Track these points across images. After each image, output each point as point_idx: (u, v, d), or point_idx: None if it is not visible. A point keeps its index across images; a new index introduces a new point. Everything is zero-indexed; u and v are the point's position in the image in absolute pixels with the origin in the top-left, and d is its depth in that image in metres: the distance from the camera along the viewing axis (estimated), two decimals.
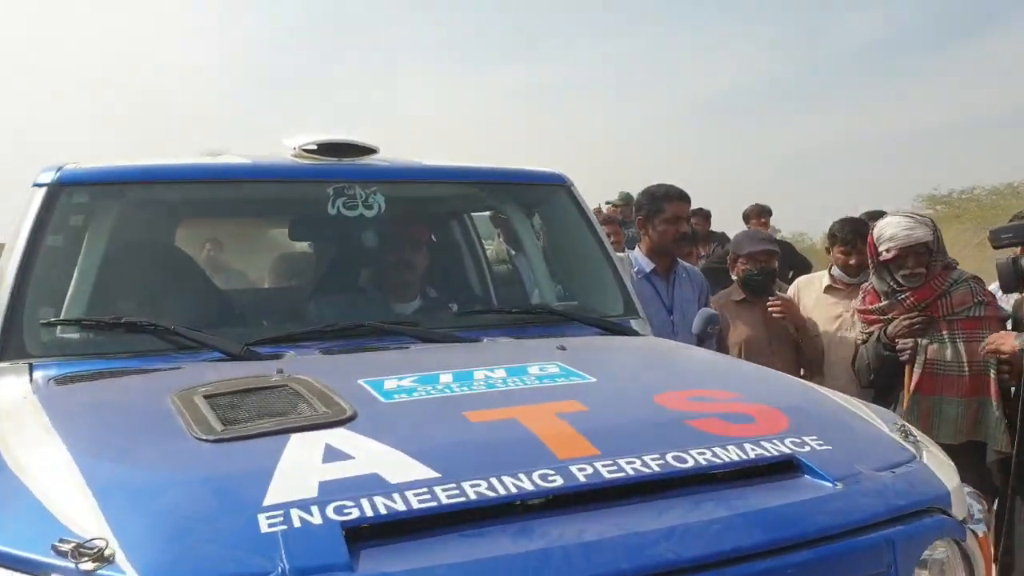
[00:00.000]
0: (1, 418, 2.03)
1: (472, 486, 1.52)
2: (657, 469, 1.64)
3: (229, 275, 3.96)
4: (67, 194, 2.61)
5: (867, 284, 3.92)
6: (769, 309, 4.26)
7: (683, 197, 4.04)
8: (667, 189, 4.03)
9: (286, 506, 1.43)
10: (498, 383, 2.03)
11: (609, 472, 1.60)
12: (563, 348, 2.40)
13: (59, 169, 2.64)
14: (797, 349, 4.39)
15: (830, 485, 1.69)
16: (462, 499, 1.49)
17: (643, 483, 1.61)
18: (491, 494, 1.51)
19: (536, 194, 3.27)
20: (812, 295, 4.54)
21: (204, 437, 1.68)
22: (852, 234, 4.43)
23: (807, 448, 1.80)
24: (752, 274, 4.36)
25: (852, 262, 4.39)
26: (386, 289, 3.06)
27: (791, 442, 1.80)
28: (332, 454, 1.61)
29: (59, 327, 2.44)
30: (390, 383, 2.03)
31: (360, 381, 2.03)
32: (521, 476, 1.56)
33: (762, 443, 1.78)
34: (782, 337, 4.41)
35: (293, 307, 3.01)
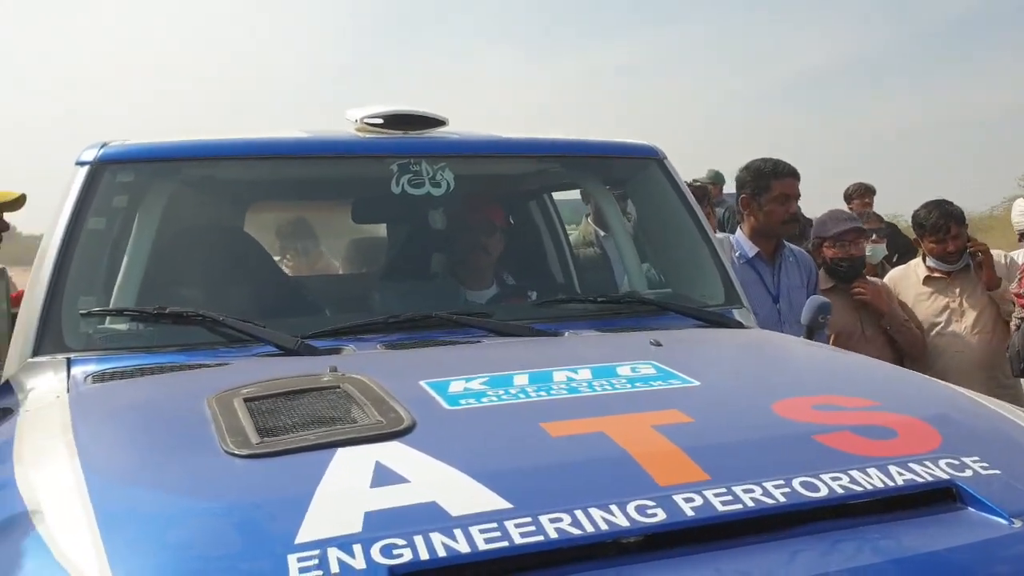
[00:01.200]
0: (27, 422, 1.82)
1: (552, 521, 1.22)
2: (782, 499, 1.31)
3: (285, 261, 3.73)
4: (111, 173, 2.40)
5: None
6: (853, 292, 3.90)
7: (793, 174, 3.65)
8: (775, 164, 3.65)
9: (323, 544, 1.16)
10: (582, 387, 1.73)
11: (723, 503, 1.29)
12: (658, 344, 2.08)
13: (102, 146, 2.43)
14: (891, 339, 4.04)
15: (1004, 522, 1.34)
16: (539, 538, 1.19)
17: (765, 517, 1.29)
18: (575, 531, 1.21)
19: (625, 169, 2.93)
20: (910, 289, 4.14)
21: (236, 452, 1.42)
22: (942, 219, 4.00)
23: (968, 472, 1.44)
24: (839, 260, 4.02)
25: (951, 249, 3.97)
26: (457, 276, 2.78)
27: (948, 464, 1.45)
28: (383, 475, 1.33)
29: (101, 318, 2.23)
30: (456, 385, 1.74)
31: (422, 382, 1.75)
32: (613, 508, 1.26)
33: (911, 465, 1.43)
34: (876, 325, 4.05)
35: (355, 296, 2.75)
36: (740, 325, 2.56)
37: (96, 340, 2.21)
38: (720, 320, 2.51)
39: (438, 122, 2.66)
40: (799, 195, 3.67)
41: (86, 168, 2.39)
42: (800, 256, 3.85)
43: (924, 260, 4.12)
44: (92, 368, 2.09)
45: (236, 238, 2.77)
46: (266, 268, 2.75)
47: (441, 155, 2.56)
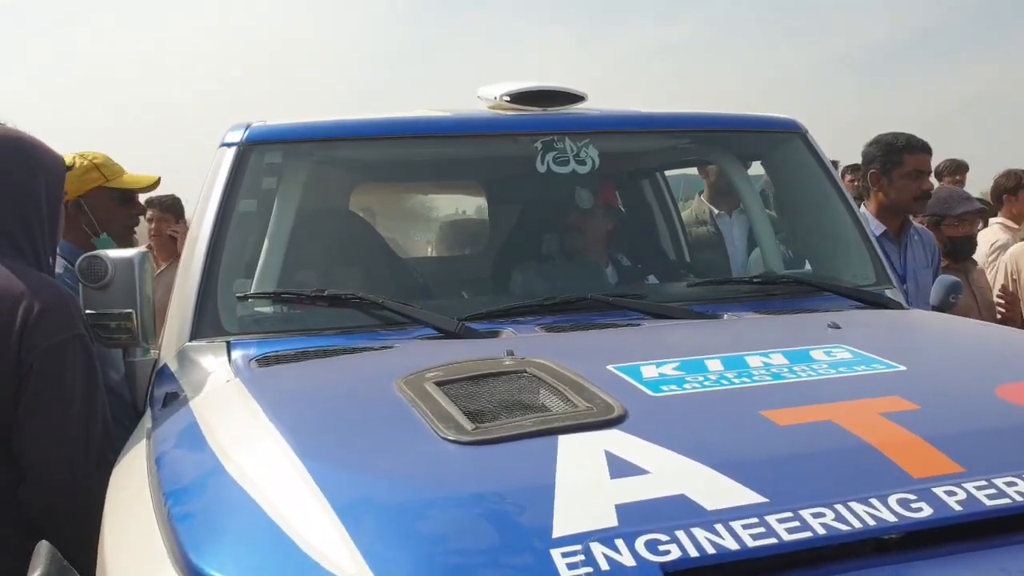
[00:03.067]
0: (204, 407, 1.80)
1: (815, 516, 1.15)
2: None
3: (423, 243, 3.67)
4: (258, 153, 2.37)
5: None
6: (996, 300, 3.83)
7: (926, 148, 3.50)
8: (908, 139, 3.51)
9: (583, 538, 1.10)
10: (784, 372, 1.65)
11: (989, 497, 1.20)
12: (837, 327, 1.99)
13: (248, 127, 2.40)
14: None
15: None
16: (805, 534, 1.12)
17: None
18: (842, 527, 1.14)
19: (764, 144, 2.83)
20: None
21: (454, 438, 1.37)
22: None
23: None
24: (960, 239, 3.92)
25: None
26: (571, 257, 2.71)
27: None
28: (618, 465, 1.26)
29: (256, 301, 2.20)
30: (648, 370, 1.67)
31: (611, 367, 1.69)
32: (874, 502, 1.18)
33: None
34: (990, 306, 3.95)
35: (499, 277, 2.68)
36: (899, 306, 2.45)
37: (253, 323, 2.19)
38: (879, 301, 2.40)
39: (577, 97, 2.58)
40: (931, 171, 3.52)
41: (233, 149, 2.36)
42: (924, 235, 3.71)
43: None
44: (253, 352, 2.06)
45: (378, 219, 2.73)
46: (404, 251, 2.71)
47: (587, 131, 2.49)
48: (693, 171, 4.25)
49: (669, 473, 1.24)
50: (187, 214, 4.63)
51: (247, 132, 2.38)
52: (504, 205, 2.78)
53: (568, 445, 1.33)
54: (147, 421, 2.01)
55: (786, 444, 1.35)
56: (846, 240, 2.67)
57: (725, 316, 2.24)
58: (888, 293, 2.53)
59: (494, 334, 2.12)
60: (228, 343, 2.11)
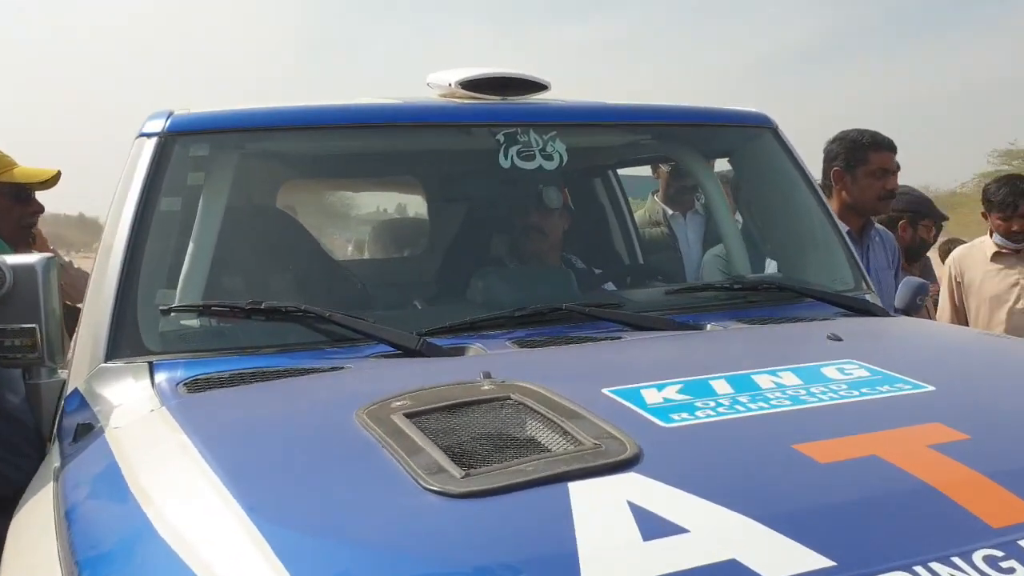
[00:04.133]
0: (125, 443, 1.51)
1: None
2: None
3: (357, 246, 3.37)
4: (182, 145, 2.07)
5: None
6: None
7: (891, 147, 3.38)
8: (873, 136, 3.38)
9: None
10: (802, 395, 1.45)
11: None
12: (838, 338, 1.81)
13: (169, 115, 2.11)
14: None
15: None
16: None
17: None
18: None
19: (733, 139, 2.65)
20: (977, 266, 3.96)
21: (440, 488, 1.13)
22: (1011, 196, 3.82)
23: None
24: (924, 241, 3.87)
25: (1015, 228, 3.80)
26: (520, 259, 2.49)
27: None
28: (649, 521, 1.04)
29: (182, 316, 1.91)
30: (650, 394, 1.46)
31: (606, 391, 1.47)
32: (957, 561, 0.99)
33: None
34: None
35: (456, 285, 2.42)
36: (884, 312, 2.30)
37: (179, 340, 1.91)
38: (865, 308, 2.24)
39: (539, 86, 2.36)
40: (898, 169, 3.41)
41: (153, 140, 2.06)
42: (885, 236, 3.60)
43: (991, 236, 3.92)
44: (180, 374, 1.78)
45: (309, 219, 2.45)
46: (343, 254, 2.44)
47: (552, 123, 2.26)
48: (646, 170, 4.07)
49: (711, 531, 1.03)
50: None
51: (169, 121, 2.09)
52: (455, 203, 2.53)
53: (582, 495, 1.11)
54: (54, 458, 1.71)
55: (835, 488, 1.15)
56: (821, 242, 2.51)
57: (708, 326, 2.04)
58: (868, 298, 2.38)
59: (460, 351, 1.88)
60: (150, 364, 1.82)
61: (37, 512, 1.48)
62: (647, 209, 3.95)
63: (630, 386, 1.49)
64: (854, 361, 1.62)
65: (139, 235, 1.95)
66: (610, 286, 2.68)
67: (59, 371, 2.14)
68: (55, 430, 1.85)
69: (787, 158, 2.58)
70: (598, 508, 1.08)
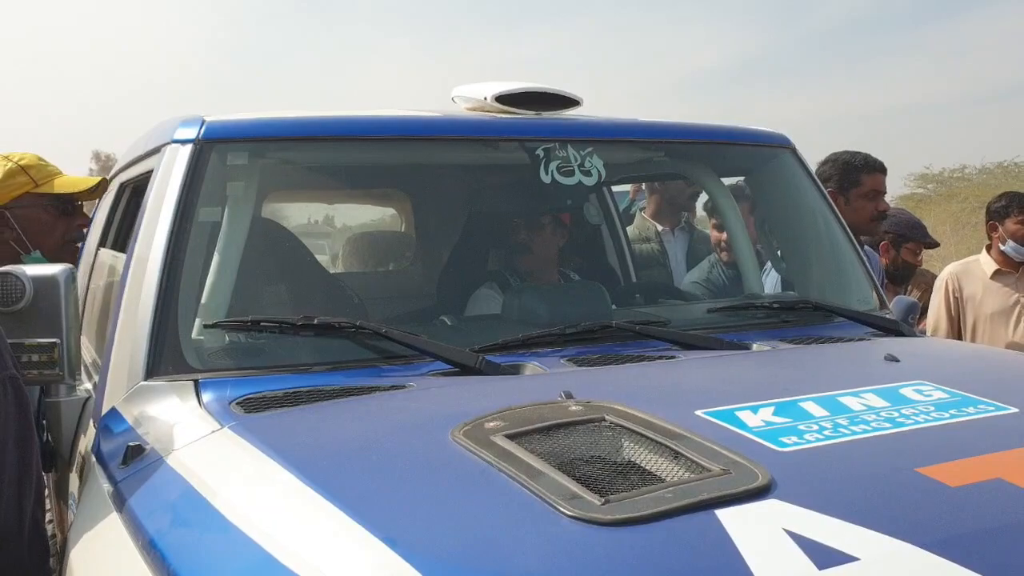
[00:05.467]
0: (194, 466, 1.43)
1: None
2: None
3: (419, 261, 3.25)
4: (219, 152, 1.99)
5: None
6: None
7: (883, 169, 3.45)
8: (866, 158, 3.44)
9: None
10: (897, 417, 1.45)
11: None
12: (895, 359, 1.83)
13: (202, 122, 2.02)
14: None
15: None
16: None
17: None
18: None
19: (752, 159, 2.66)
20: (977, 284, 4.02)
21: (584, 516, 1.09)
22: None
23: None
24: (910, 264, 3.95)
25: None
26: (519, 273, 2.47)
27: None
28: (815, 551, 1.02)
29: (227, 331, 1.83)
30: (746, 416, 1.44)
31: (701, 413, 1.45)
32: None
33: None
34: None
35: (495, 302, 2.37)
36: (912, 333, 2.33)
37: (224, 358, 1.83)
38: (895, 328, 2.27)
39: (572, 101, 2.34)
40: (886, 191, 3.48)
41: (188, 147, 1.97)
42: (872, 256, 3.67)
43: (990, 253, 4.00)
44: (229, 393, 1.70)
45: (366, 232, 2.38)
46: (386, 266, 2.38)
47: (590, 139, 2.24)
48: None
49: (882, 559, 1.01)
50: None
51: (203, 128, 2.00)
52: (494, 217, 2.48)
53: (734, 523, 1.08)
54: (101, 481, 1.61)
55: (980, 513, 1.14)
56: (843, 262, 2.54)
57: (754, 345, 2.04)
58: (891, 318, 2.41)
59: (516, 368, 1.84)
60: (196, 382, 1.74)
61: (107, 541, 1.39)
62: (637, 225, 3.97)
63: (724, 408, 1.47)
64: (926, 382, 1.63)
65: (178, 246, 1.87)
66: (640, 303, 2.68)
67: (78, 389, 2.04)
68: (93, 452, 1.75)
69: (807, 178, 2.61)
70: (757, 537, 1.05)
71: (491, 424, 1.41)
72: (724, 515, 1.10)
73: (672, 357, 1.92)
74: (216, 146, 1.99)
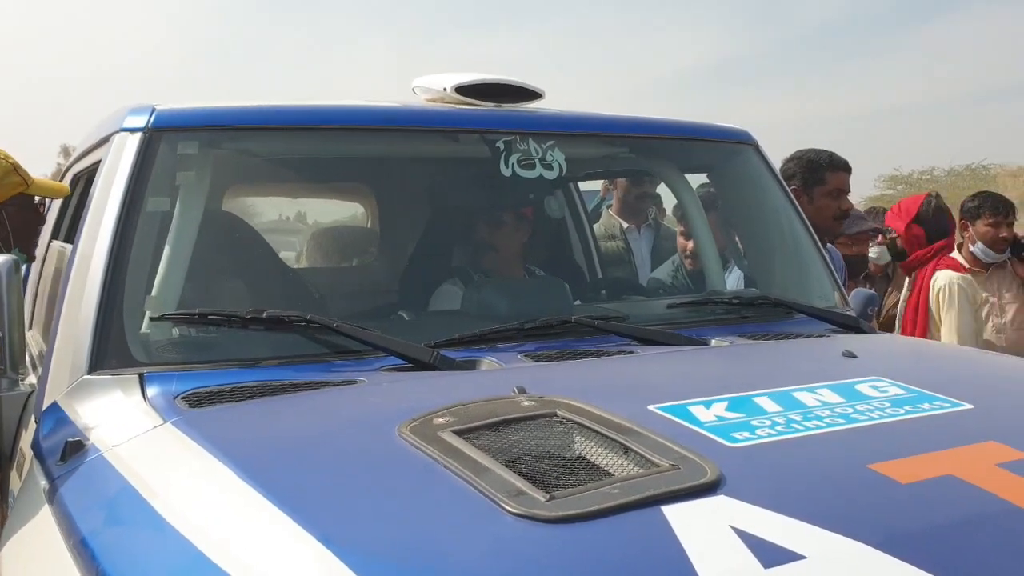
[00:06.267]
0: (133, 462, 1.39)
1: None
2: None
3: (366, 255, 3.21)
4: (169, 141, 1.94)
5: None
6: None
7: (847, 168, 3.45)
8: (830, 156, 3.43)
9: None
10: (851, 413, 1.44)
11: None
12: (853, 355, 1.81)
13: (152, 111, 1.97)
14: None
15: None
16: None
17: None
18: None
19: (713, 155, 2.65)
20: (951, 281, 4.02)
21: (527, 512, 1.06)
22: (1001, 202, 3.94)
23: None
24: (855, 257, 3.97)
25: (1003, 234, 3.89)
26: (483, 270, 2.44)
27: None
28: (762, 549, 1.00)
29: (174, 324, 1.78)
30: (698, 411, 1.42)
31: (653, 408, 1.43)
32: None
33: None
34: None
35: (452, 296, 2.34)
36: (871, 330, 2.33)
37: (170, 351, 1.78)
38: (855, 325, 2.26)
39: (534, 94, 2.31)
40: (849, 190, 3.48)
41: (138, 136, 1.92)
42: (834, 254, 3.67)
43: (960, 252, 4.02)
44: (175, 387, 1.66)
45: (313, 224, 2.33)
46: (350, 261, 2.33)
47: (551, 132, 2.21)
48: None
49: (829, 557, 0.99)
50: None
51: (153, 116, 1.95)
52: (450, 210, 2.44)
53: (680, 520, 1.05)
54: (39, 478, 1.56)
55: (929, 510, 1.13)
56: (803, 258, 2.53)
57: (712, 341, 2.02)
58: (850, 315, 2.40)
59: (472, 364, 1.81)
60: (141, 376, 1.69)
61: (39, 539, 1.35)
62: (603, 223, 3.95)
63: (677, 403, 1.45)
64: (882, 379, 1.62)
65: (125, 237, 1.82)
66: (603, 299, 2.66)
67: (20, 383, 1.98)
68: (33, 448, 1.69)
69: (769, 175, 2.60)
70: (703, 534, 1.03)
71: (439, 420, 1.37)
72: (670, 511, 1.07)
73: (630, 352, 1.90)
74: (166, 135, 1.94)
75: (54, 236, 2.77)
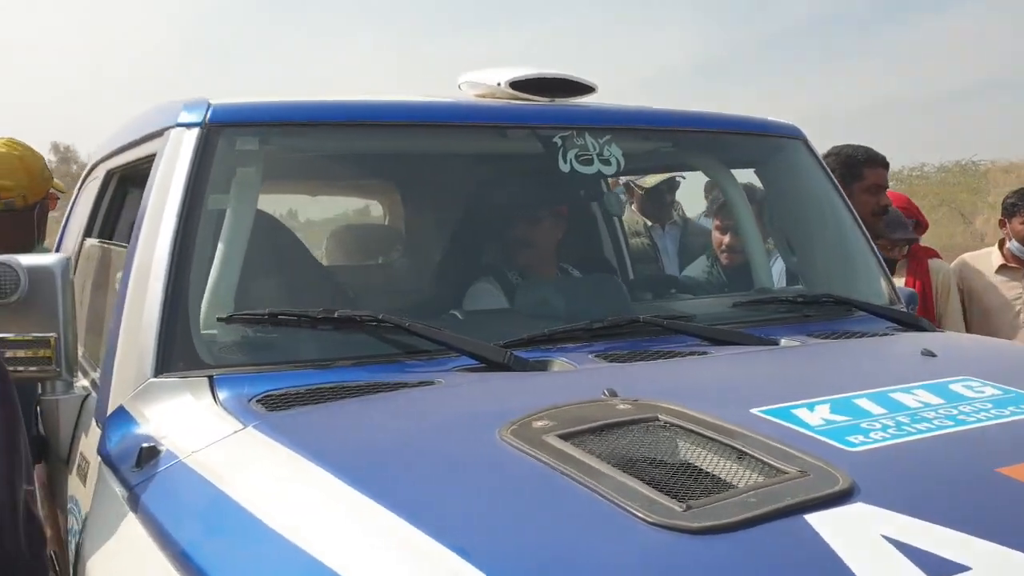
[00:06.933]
0: (221, 469, 1.34)
1: None
2: None
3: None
4: (227, 138, 1.89)
5: None
6: None
7: (885, 163, 3.41)
8: (867, 151, 3.40)
9: None
10: (957, 415, 1.40)
11: None
12: (931, 354, 1.78)
13: (208, 105, 1.92)
14: None
15: None
16: None
17: None
18: None
19: (762, 149, 2.61)
20: (981, 275, 3.99)
21: (671, 525, 1.02)
22: None
23: None
24: (887, 260, 3.93)
25: None
26: (517, 268, 2.39)
27: None
28: (924, 559, 0.96)
29: (241, 325, 1.73)
30: (803, 413, 1.38)
31: (755, 411, 1.39)
32: None
33: None
34: None
35: (514, 295, 2.29)
36: (932, 328, 2.30)
37: (239, 353, 1.73)
38: (915, 323, 2.23)
39: (587, 88, 2.26)
40: (887, 186, 3.45)
41: (195, 132, 1.87)
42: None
43: (1001, 248, 3.98)
44: (247, 390, 1.61)
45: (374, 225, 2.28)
46: (375, 259, 2.28)
47: (610, 127, 2.17)
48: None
49: (994, 568, 0.96)
50: None
51: (209, 111, 1.90)
52: (493, 207, 2.39)
53: (828, 530, 1.01)
54: (112, 485, 1.51)
55: None
56: (856, 255, 2.49)
57: (782, 341, 1.98)
58: (911, 313, 2.38)
59: (544, 365, 1.76)
60: (210, 378, 1.64)
61: (130, 550, 1.30)
62: (626, 219, 3.91)
63: (778, 405, 1.41)
64: (972, 378, 1.58)
65: (186, 236, 1.76)
66: (649, 297, 2.62)
67: (75, 386, 1.93)
68: (97, 451, 1.64)
69: (819, 169, 2.56)
70: (856, 544, 0.99)
71: (539, 423, 1.33)
72: (815, 520, 1.03)
73: (704, 353, 1.86)
74: (224, 130, 1.88)
75: (87, 233, 2.71)
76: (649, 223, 3.84)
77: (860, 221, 2.55)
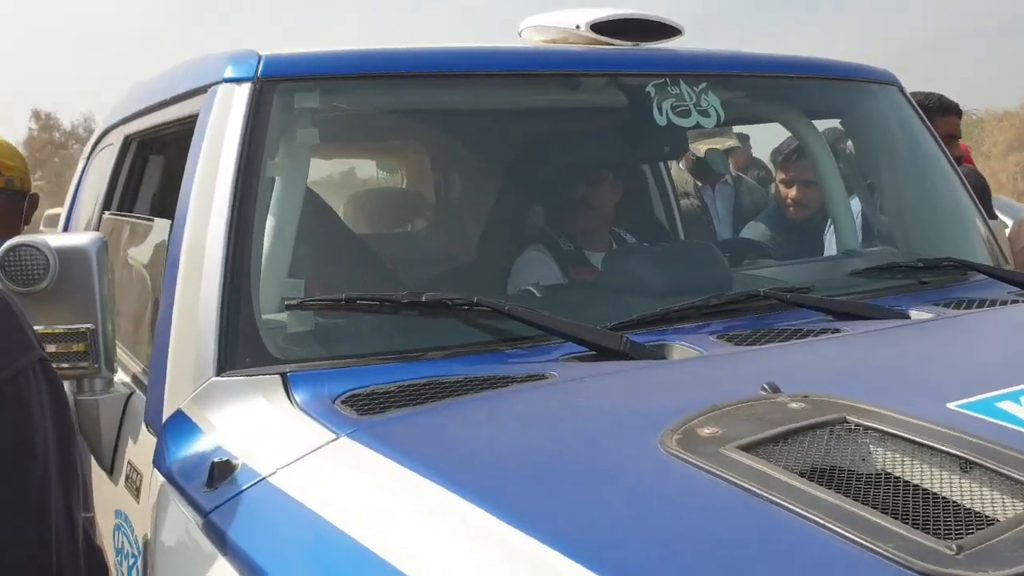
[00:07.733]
0: (315, 488, 1.11)
1: None
2: None
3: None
4: (283, 94, 1.63)
5: None
6: None
7: (958, 111, 3.19)
8: (940, 99, 3.17)
9: None
10: None
11: None
12: None
13: (259, 58, 1.65)
14: None
15: None
16: None
17: None
18: None
19: (849, 98, 2.35)
20: None
21: (945, 573, 0.79)
22: None
23: None
24: None
25: None
26: (569, 236, 2.15)
27: None
28: None
29: (314, 312, 1.49)
30: (1009, 407, 1.16)
31: (952, 406, 1.16)
32: None
33: None
34: None
35: (542, 264, 2.07)
36: None
37: (313, 345, 1.49)
38: None
39: (674, 30, 2.01)
40: (960, 135, 3.22)
41: (246, 87, 1.61)
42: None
43: None
44: (328, 389, 1.37)
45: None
46: (405, 226, 2.03)
47: (705, 73, 1.92)
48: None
49: None
50: None
51: (261, 63, 1.64)
52: (567, 166, 2.14)
53: None
54: (180, 506, 1.28)
55: None
56: (962, 213, 2.27)
57: (912, 313, 1.76)
58: None
59: (663, 350, 1.53)
60: (284, 376, 1.40)
61: None
62: (674, 178, 3.66)
63: (976, 398, 1.18)
64: None
65: (244, 210, 1.51)
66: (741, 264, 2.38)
67: (115, 384, 1.69)
68: (154, 463, 1.41)
69: (916, 119, 2.32)
70: None
71: (706, 430, 1.10)
72: None
73: (836, 331, 1.63)
74: (280, 85, 1.62)
75: (105, 207, 2.45)
76: (699, 184, 3.59)
77: (962, 176, 2.32)
